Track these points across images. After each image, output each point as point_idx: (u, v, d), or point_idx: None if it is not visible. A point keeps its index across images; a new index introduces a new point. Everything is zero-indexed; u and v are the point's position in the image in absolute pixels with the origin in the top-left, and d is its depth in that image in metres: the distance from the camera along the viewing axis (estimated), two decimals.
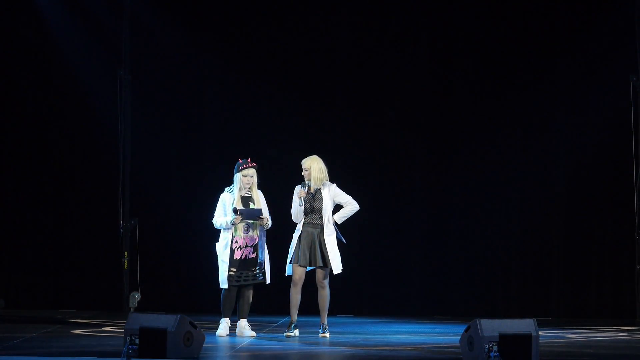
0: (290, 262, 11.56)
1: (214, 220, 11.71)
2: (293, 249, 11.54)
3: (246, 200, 11.63)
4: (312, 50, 15.63)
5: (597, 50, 15.07)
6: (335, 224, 11.59)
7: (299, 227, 11.55)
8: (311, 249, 11.46)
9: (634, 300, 14.65)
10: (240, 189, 11.61)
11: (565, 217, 15.32)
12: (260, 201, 11.59)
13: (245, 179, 11.60)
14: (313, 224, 11.52)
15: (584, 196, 15.22)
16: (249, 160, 11.64)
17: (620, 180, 14.98)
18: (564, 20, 15.21)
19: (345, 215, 11.64)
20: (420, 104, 15.58)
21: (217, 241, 11.72)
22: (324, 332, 11.57)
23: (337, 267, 11.50)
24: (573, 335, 12.00)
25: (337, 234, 11.55)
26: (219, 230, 11.74)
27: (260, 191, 11.67)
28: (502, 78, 15.40)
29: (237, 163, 11.67)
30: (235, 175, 11.65)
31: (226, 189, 11.73)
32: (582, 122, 15.18)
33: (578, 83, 15.22)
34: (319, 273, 11.52)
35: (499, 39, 15.36)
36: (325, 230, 11.50)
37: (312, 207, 11.51)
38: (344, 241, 11.60)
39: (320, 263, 11.44)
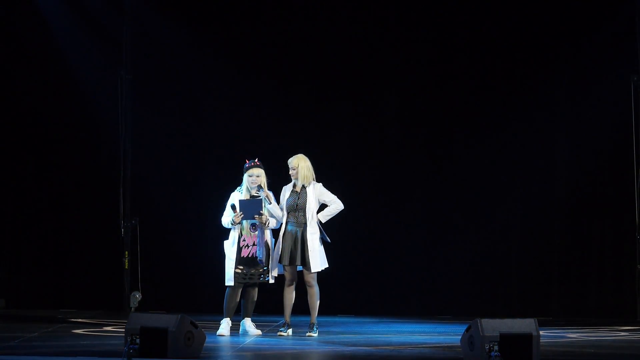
0: (279, 262, 11.61)
1: (222, 220, 11.74)
2: (279, 249, 11.57)
3: (254, 199, 11.64)
4: (313, 51, 15.62)
5: (598, 51, 15.06)
6: (320, 222, 11.60)
7: (283, 226, 11.59)
8: (293, 248, 11.48)
9: (634, 300, 14.65)
10: (247, 189, 11.65)
11: (566, 216, 15.32)
12: (270, 198, 11.62)
13: (251, 178, 11.64)
14: (297, 222, 11.54)
15: (585, 196, 15.22)
16: (256, 160, 11.68)
17: (621, 179, 14.97)
18: (564, 20, 15.20)
19: (330, 214, 11.64)
20: (421, 102, 15.57)
21: (227, 239, 11.75)
22: (310, 332, 11.58)
23: (316, 265, 11.49)
24: (574, 335, 12.00)
25: (321, 233, 11.55)
26: (226, 230, 11.80)
27: (271, 192, 11.69)
28: (502, 78, 15.39)
29: (245, 165, 11.72)
30: (243, 176, 11.70)
31: (237, 188, 11.78)
32: (582, 122, 15.18)
33: (579, 83, 15.21)
34: (304, 272, 11.55)
35: (499, 40, 15.35)
36: (308, 229, 11.52)
37: (297, 205, 11.53)
38: (328, 240, 11.60)
39: (300, 262, 11.47)
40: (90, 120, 15.65)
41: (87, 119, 15.67)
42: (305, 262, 11.48)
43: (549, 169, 15.35)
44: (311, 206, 11.55)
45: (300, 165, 11.57)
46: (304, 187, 11.59)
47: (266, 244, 11.69)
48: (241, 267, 11.61)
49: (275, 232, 11.80)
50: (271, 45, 15.69)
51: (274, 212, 11.62)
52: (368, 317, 14.83)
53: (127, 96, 15.18)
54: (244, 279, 11.63)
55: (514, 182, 15.34)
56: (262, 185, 11.66)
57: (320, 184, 11.67)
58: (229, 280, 11.62)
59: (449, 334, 12.08)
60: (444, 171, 15.54)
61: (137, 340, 8.93)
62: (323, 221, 11.63)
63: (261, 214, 11.56)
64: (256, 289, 11.80)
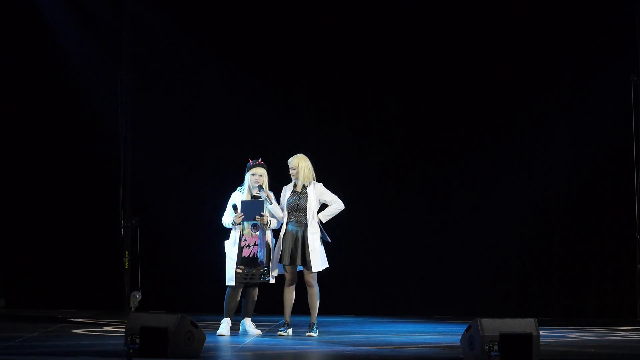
0: (279, 262, 11.61)
1: (222, 219, 11.74)
2: (279, 248, 11.56)
3: (255, 199, 11.64)
4: (313, 51, 15.64)
5: (598, 51, 15.07)
6: (320, 222, 11.60)
7: (283, 226, 11.59)
8: (293, 248, 11.48)
9: (634, 300, 14.65)
10: (249, 188, 11.65)
11: (566, 216, 15.32)
12: (271, 198, 11.62)
13: (254, 177, 11.64)
14: (297, 221, 11.54)
15: (585, 196, 15.23)
16: (259, 160, 11.69)
17: (620, 179, 14.98)
18: (564, 20, 15.20)
19: (330, 214, 11.64)
20: (420, 102, 15.58)
21: (227, 239, 11.75)
22: (310, 332, 11.58)
23: (316, 265, 11.48)
24: (574, 335, 12.00)
25: (321, 233, 11.55)
26: (226, 230, 11.80)
27: (271, 192, 11.69)
28: (502, 78, 15.40)
29: (248, 164, 11.72)
30: (245, 175, 11.70)
31: (238, 188, 11.78)
32: (582, 121, 15.19)
33: (579, 83, 15.22)
34: (305, 271, 11.54)
35: (500, 40, 15.35)
36: (309, 229, 11.52)
37: (298, 204, 11.52)
38: (329, 240, 11.60)
39: (300, 262, 11.47)
40: (90, 120, 15.64)
41: (87, 119, 15.67)
42: (305, 262, 11.48)
43: (549, 169, 15.36)
44: (312, 206, 11.55)
45: (300, 165, 11.57)
46: (304, 187, 11.60)
47: (267, 244, 11.70)
48: (242, 267, 11.61)
49: (275, 232, 11.81)
50: (271, 45, 15.69)
51: (275, 212, 11.62)
52: (368, 317, 14.83)
53: (127, 96, 15.17)
54: (245, 279, 11.63)
55: (514, 182, 15.34)
56: (263, 186, 11.66)
57: (321, 183, 11.67)
58: (230, 280, 11.62)
59: (449, 334, 12.08)
60: (443, 172, 15.54)
61: (137, 340, 8.93)
62: (324, 221, 11.63)
63: (262, 215, 11.56)
64: (257, 289, 11.81)
